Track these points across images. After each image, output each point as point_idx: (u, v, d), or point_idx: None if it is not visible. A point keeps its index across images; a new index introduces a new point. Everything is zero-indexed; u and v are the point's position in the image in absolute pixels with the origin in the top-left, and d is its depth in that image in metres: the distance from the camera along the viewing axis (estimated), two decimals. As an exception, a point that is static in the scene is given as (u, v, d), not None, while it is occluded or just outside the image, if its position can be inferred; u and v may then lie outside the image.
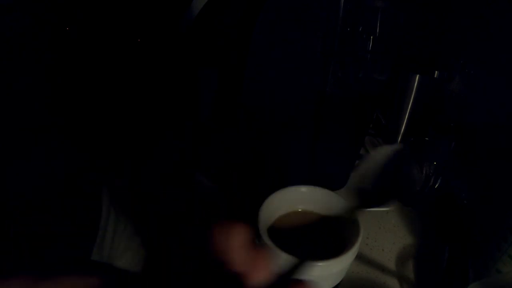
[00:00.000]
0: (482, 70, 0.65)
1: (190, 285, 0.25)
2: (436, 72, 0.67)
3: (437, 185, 0.57)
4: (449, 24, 0.71)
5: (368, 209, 0.58)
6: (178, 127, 0.54)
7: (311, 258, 0.33)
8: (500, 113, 0.62)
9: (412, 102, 0.70)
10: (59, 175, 0.45)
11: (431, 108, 0.70)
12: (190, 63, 0.58)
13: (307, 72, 0.52)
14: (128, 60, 0.56)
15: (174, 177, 0.41)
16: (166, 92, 0.60)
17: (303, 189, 0.43)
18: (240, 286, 0.21)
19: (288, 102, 0.52)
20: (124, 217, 0.50)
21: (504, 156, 0.57)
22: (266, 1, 0.49)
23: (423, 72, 0.67)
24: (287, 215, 0.43)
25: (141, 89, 0.56)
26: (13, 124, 0.38)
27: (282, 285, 0.23)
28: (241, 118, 0.57)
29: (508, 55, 0.61)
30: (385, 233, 0.54)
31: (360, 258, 0.49)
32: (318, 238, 0.41)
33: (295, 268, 0.30)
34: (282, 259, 0.33)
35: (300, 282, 0.21)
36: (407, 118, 0.72)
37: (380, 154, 0.50)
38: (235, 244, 0.21)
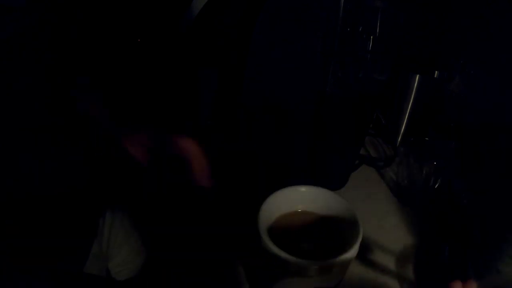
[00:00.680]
0: (482, 70, 0.65)
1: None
2: (436, 72, 0.67)
3: (437, 185, 0.57)
4: (449, 24, 0.71)
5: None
6: (178, 127, 0.54)
7: (311, 258, 0.33)
8: (500, 113, 0.62)
9: (412, 102, 0.70)
10: (58, 174, 0.45)
11: (431, 108, 0.70)
12: (190, 63, 0.58)
13: (307, 72, 0.52)
14: (128, 60, 0.56)
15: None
16: (166, 92, 0.60)
17: (303, 189, 0.43)
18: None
19: (288, 102, 0.52)
20: (120, 214, 0.51)
21: (504, 156, 0.57)
22: (266, 1, 0.49)
23: (423, 72, 0.67)
24: (287, 215, 0.43)
25: (141, 89, 0.56)
26: (13, 124, 0.38)
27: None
28: (241, 118, 0.57)
29: (508, 55, 0.61)
30: (385, 233, 0.54)
31: (360, 258, 0.49)
32: (318, 238, 0.41)
33: (295, 268, 0.30)
34: (282, 259, 0.34)
35: None
36: (407, 118, 0.72)
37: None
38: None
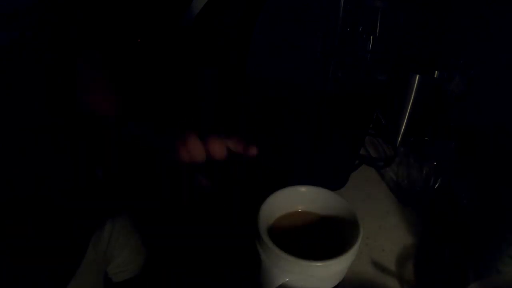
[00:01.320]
0: (482, 70, 0.65)
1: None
2: (436, 72, 0.67)
3: (437, 185, 0.56)
4: (449, 24, 0.71)
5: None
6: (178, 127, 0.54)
7: (311, 258, 0.33)
8: (500, 113, 0.62)
9: (412, 102, 0.70)
10: (58, 174, 0.45)
11: (431, 108, 0.70)
12: (190, 63, 0.58)
13: (307, 72, 0.52)
14: (128, 60, 0.56)
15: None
16: (166, 92, 0.60)
17: (303, 189, 0.43)
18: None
19: (288, 102, 0.52)
20: (123, 215, 0.50)
21: (504, 156, 0.57)
22: (266, 1, 0.49)
23: (423, 72, 0.67)
24: (287, 215, 0.43)
25: (141, 89, 0.56)
26: (13, 124, 0.38)
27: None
28: (241, 118, 0.57)
29: (508, 55, 0.61)
30: (385, 233, 0.54)
31: (360, 258, 0.49)
32: (318, 238, 0.41)
33: (295, 268, 0.30)
34: (282, 259, 0.33)
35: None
36: (407, 118, 0.72)
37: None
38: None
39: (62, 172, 0.45)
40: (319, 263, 0.33)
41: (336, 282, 0.38)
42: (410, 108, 0.70)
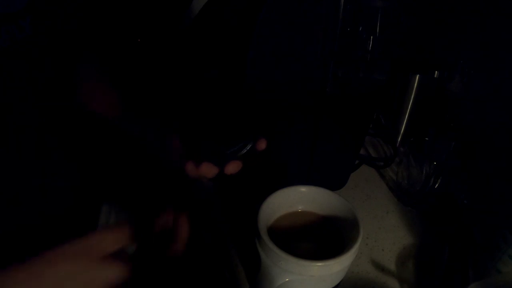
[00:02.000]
0: (482, 70, 0.65)
1: None
2: (436, 72, 0.67)
3: (437, 185, 0.57)
4: (449, 24, 0.71)
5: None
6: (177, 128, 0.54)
7: (311, 258, 0.33)
8: (500, 113, 0.62)
9: (412, 102, 0.70)
10: (57, 174, 0.45)
11: (431, 108, 0.70)
12: (190, 63, 0.58)
13: (307, 72, 0.52)
14: (128, 60, 0.56)
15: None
16: (166, 92, 0.60)
17: (303, 189, 0.43)
18: None
19: (288, 102, 0.52)
20: (115, 211, 0.50)
21: (504, 156, 0.57)
22: (266, 1, 0.49)
23: (423, 72, 0.67)
24: (287, 215, 0.43)
25: (140, 89, 0.56)
26: (13, 124, 0.38)
27: None
28: (241, 118, 0.57)
29: (508, 55, 0.61)
30: (385, 233, 0.54)
31: (360, 258, 0.49)
32: (318, 238, 0.41)
33: (295, 268, 0.30)
34: (282, 259, 0.34)
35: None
36: (407, 118, 0.72)
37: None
38: None
39: (62, 172, 0.45)
40: (319, 263, 0.33)
41: (336, 282, 0.38)
42: (410, 108, 0.70)
